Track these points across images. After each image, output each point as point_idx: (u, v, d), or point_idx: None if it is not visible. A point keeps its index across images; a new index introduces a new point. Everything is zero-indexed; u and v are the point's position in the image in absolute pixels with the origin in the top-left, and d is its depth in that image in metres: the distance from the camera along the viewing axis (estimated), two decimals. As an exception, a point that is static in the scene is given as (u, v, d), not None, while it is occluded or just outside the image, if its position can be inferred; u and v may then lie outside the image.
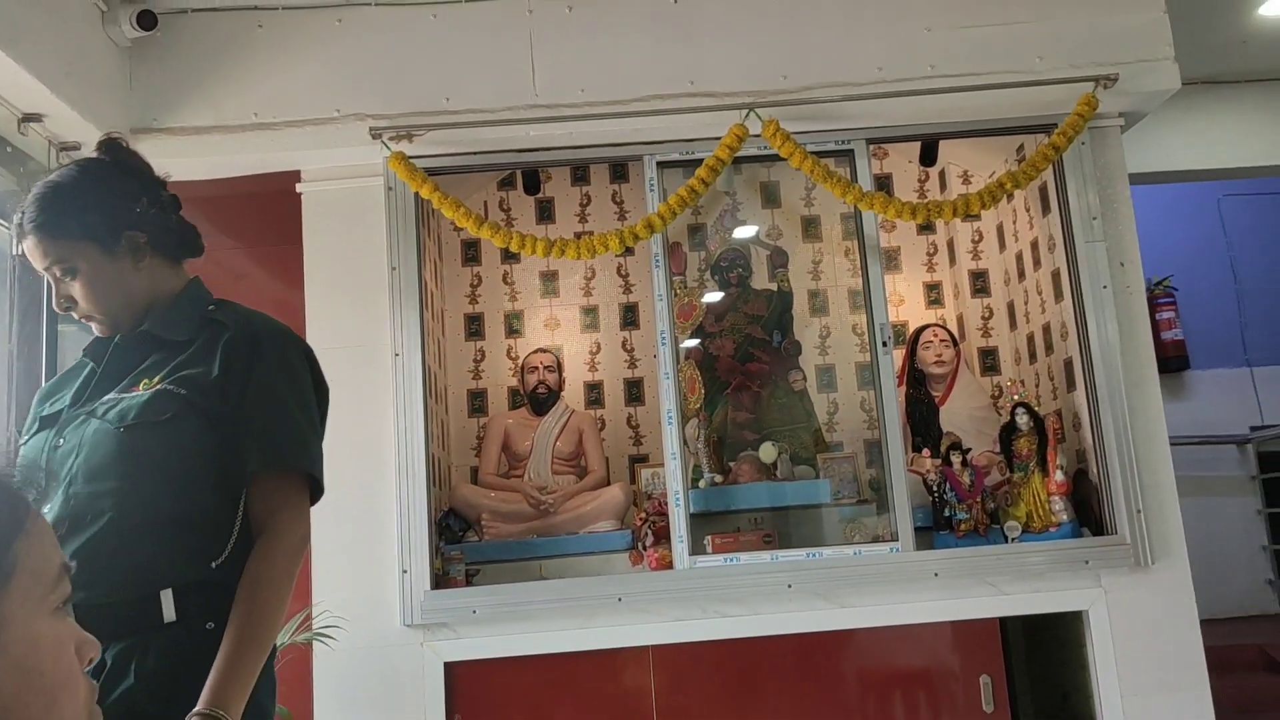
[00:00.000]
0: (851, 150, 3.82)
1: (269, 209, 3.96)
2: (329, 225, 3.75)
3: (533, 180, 4.64)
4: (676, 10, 3.80)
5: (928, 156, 4.37)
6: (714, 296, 4.48)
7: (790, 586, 3.51)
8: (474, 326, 4.74)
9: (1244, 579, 6.29)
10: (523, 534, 3.99)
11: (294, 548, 1.71)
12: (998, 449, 3.97)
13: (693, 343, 4.36)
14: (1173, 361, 6.58)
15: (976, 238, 4.77)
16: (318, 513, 3.47)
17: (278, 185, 3.79)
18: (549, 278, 4.80)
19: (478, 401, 4.67)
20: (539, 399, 4.41)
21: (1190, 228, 7.00)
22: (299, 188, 3.79)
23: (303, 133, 3.69)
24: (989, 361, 4.70)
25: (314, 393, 1.85)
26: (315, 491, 1.80)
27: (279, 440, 1.74)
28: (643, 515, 3.88)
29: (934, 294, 4.88)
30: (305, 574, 3.49)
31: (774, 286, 4.50)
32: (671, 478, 3.64)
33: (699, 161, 3.66)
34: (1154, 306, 6.49)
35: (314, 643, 3.23)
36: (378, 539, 3.52)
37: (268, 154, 3.70)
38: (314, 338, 3.65)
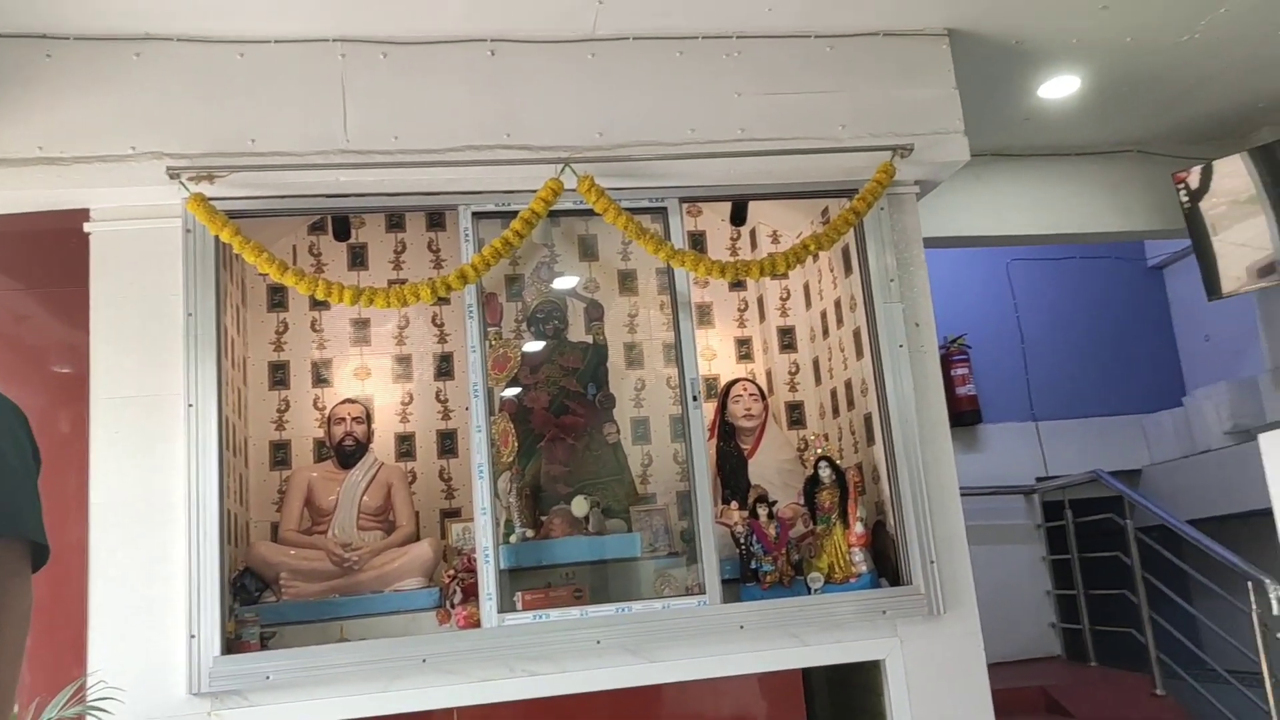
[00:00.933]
0: (665, 207, 3.90)
1: (54, 248, 3.72)
2: (120, 267, 3.55)
3: (343, 226, 4.52)
4: (494, 62, 3.80)
5: (738, 216, 4.51)
6: (531, 348, 4.46)
7: (599, 642, 3.49)
8: (279, 375, 4.55)
9: (1030, 623, 6.65)
10: (324, 593, 3.83)
11: (27, 617, 1.64)
12: (802, 501, 4.08)
13: (510, 393, 4.31)
14: (966, 415, 6.96)
15: (785, 295, 4.92)
16: (99, 572, 3.23)
17: (64, 223, 3.57)
18: (360, 325, 4.67)
19: (280, 454, 4.47)
20: (346, 451, 4.26)
21: (982, 290, 7.46)
22: (87, 227, 3.57)
23: (93, 169, 3.49)
24: (795, 415, 4.84)
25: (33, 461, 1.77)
26: (39, 561, 1.72)
27: (16, 508, 1.64)
28: (451, 572, 3.79)
29: (744, 349, 5.01)
30: (79, 640, 3.25)
31: (590, 339, 4.51)
32: (481, 533, 3.57)
33: (515, 213, 3.65)
34: (949, 363, 6.88)
35: (87, 717, 2.99)
36: (164, 601, 3.30)
37: (53, 190, 3.49)
38: (100, 385, 3.45)
